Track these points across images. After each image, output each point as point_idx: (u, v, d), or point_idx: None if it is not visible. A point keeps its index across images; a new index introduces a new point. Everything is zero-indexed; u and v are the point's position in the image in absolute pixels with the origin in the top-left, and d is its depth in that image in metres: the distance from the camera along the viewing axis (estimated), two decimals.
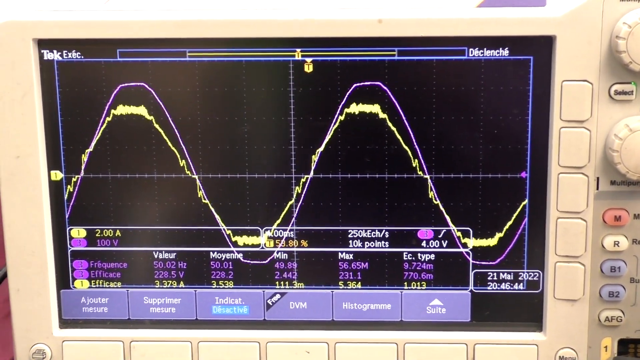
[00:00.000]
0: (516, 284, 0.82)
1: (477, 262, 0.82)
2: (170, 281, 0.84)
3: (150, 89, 0.79)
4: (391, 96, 0.78)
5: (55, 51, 0.79)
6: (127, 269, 0.84)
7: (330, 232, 0.82)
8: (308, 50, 0.78)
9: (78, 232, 0.83)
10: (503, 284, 0.82)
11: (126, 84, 0.79)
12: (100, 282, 0.84)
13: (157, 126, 0.80)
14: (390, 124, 0.79)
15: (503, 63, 0.77)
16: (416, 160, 0.79)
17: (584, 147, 0.76)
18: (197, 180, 0.81)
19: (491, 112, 0.78)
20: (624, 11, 0.73)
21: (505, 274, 0.82)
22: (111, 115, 0.80)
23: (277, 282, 0.83)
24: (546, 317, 0.81)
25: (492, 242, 0.81)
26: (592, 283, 0.79)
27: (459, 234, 0.81)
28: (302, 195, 0.81)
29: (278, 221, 0.82)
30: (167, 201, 0.82)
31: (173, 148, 0.80)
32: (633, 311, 0.80)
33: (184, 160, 0.80)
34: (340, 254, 0.82)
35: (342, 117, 0.79)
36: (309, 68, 0.78)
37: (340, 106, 0.78)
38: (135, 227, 0.83)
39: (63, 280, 0.84)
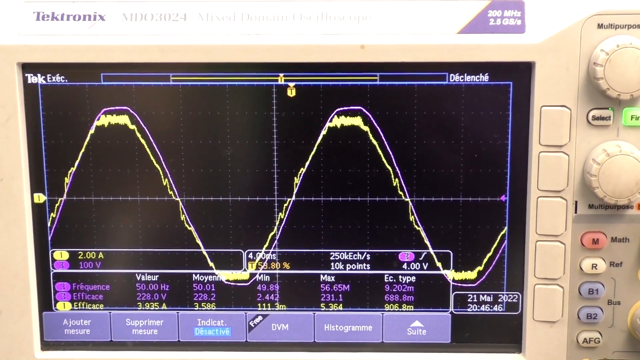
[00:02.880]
0: (496, 305, 0.83)
1: (458, 284, 0.82)
2: (153, 303, 0.84)
3: (134, 112, 0.79)
4: (373, 120, 0.79)
5: (39, 75, 0.79)
6: (110, 291, 0.84)
7: (312, 254, 0.82)
8: (291, 75, 0.78)
9: (61, 255, 0.83)
10: (483, 305, 0.83)
11: (110, 108, 0.79)
12: (83, 304, 0.84)
13: (140, 150, 0.80)
14: (372, 148, 0.79)
15: (483, 88, 0.78)
16: (397, 179, 0.80)
17: (563, 172, 0.77)
18: (180, 203, 0.81)
19: (471, 136, 0.79)
20: (601, 38, 0.74)
21: (485, 295, 0.82)
22: (95, 139, 0.80)
23: (259, 304, 0.84)
24: (525, 339, 0.81)
25: (471, 270, 0.82)
26: (571, 305, 0.80)
27: (438, 263, 0.82)
28: (285, 218, 0.81)
29: (260, 244, 0.82)
30: (150, 224, 0.82)
31: (156, 172, 0.80)
32: (611, 333, 0.81)
33: (166, 179, 0.81)
34: (322, 276, 0.83)
35: (324, 133, 0.79)
36: (291, 92, 0.79)
37: (323, 130, 0.79)
38: (117, 249, 0.83)
39: (45, 303, 0.84)
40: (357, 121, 0.79)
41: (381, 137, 0.79)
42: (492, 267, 0.81)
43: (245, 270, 0.83)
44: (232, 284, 0.83)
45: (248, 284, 0.83)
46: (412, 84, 0.78)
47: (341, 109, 0.79)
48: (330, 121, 0.79)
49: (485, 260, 0.81)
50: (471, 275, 0.82)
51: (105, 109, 0.80)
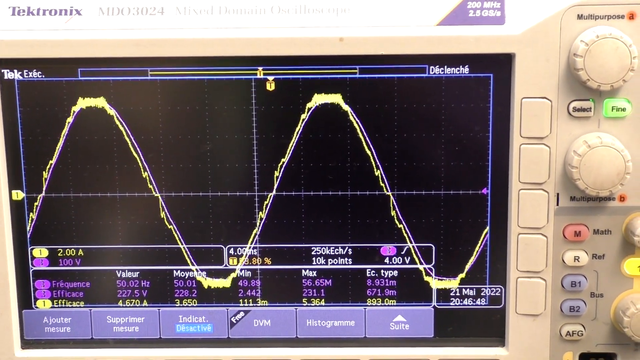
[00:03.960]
0: (478, 299, 0.82)
1: (440, 278, 0.82)
2: (134, 300, 0.84)
3: (111, 107, 0.79)
4: (353, 113, 0.78)
5: (15, 70, 0.78)
6: (90, 288, 0.84)
7: (294, 249, 0.82)
8: (270, 69, 0.78)
9: (40, 252, 0.83)
10: (465, 299, 0.82)
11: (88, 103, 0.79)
12: (63, 302, 0.84)
13: (118, 145, 0.79)
14: (352, 142, 0.79)
15: (463, 80, 0.77)
16: (378, 172, 0.79)
17: (544, 164, 0.77)
18: (160, 199, 0.81)
19: (452, 129, 0.78)
20: (581, 29, 0.74)
21: (468, 289, 0.82)
22: (72, 134, 0.79)
23: (240, 300, 0.83)
24: (508, 332, 0.81)
25: (454, 259, 0.82)
26: (553, 298, 0.80)
27: (420, 257, 0.81)
28: (266, 213, 0.81)
29: (241, 239, 0.82)
30: (130, 220, 0.81)
31: (135, 167, 0.80)
32: (593, 325, 0.80)
33: (146, 175, 0.80)
34: (303, 271, 0.82)
35: (303, 125, 0.79)
36: (270, 86, 0.78)
37: (303, 123, 0.79)
38: (97, 246, 0.82)
39: (25, 301, 0.84)
40: (337, 115, 0.78)
41: (361, 130, 0.78)
42: (475, 261, 0.81)
43: (226, 266, 0.82)
44: (214, 279, 0.83)
45: (229, 280, 0.83)
46: (391, 77, 0.78)
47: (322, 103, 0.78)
48: (311, 114, 0.78)
49: (467, 253, 0.81)
50: (454, 263, 0.81)
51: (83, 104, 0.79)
